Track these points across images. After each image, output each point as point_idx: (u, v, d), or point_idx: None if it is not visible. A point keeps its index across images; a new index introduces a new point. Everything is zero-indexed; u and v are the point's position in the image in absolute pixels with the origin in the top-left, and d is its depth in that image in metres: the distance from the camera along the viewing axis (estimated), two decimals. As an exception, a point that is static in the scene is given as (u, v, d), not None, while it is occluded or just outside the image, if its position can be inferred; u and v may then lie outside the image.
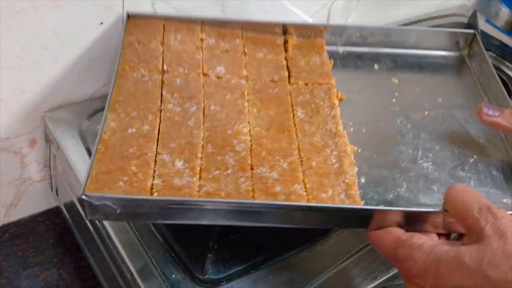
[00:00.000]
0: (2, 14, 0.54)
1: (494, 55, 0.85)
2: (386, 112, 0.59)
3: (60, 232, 0.70)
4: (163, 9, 0.65)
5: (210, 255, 0.52)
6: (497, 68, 0.83)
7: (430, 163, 0.54)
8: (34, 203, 0.71)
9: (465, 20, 0.89)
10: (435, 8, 0.93)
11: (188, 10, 0.66)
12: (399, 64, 0.66)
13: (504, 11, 0.92)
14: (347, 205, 0.46)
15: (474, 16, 0.87)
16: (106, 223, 0.54)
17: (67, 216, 0.67)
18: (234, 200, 0.45)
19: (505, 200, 0.52)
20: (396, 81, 0.63)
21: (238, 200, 0.45)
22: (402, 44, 0.67)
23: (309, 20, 0.78)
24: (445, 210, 0.45)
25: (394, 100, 0.61)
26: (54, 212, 0.71)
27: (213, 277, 0.51)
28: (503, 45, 0.86)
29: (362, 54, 0.66)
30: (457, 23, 0.89)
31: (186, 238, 0.53)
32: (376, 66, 0.65)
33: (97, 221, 0.55)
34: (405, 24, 0.87)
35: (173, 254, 0.52)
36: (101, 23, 0.60)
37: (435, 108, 0.60)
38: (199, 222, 0.45)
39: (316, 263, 0.53)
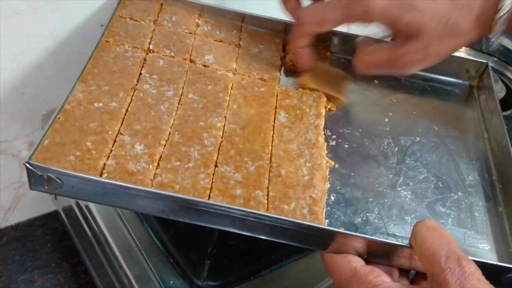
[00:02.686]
0: (1, 16, 0.53)
1: (498, 60, 0.83)
2: (375, 131, 0.55)
3: (58, 237, 0.70)
4: None
5: (209, 261, 0.51)
6: (501, 74, 0.81)
7: (409, 192, 0.51)
8: (32, 207, 0.71)
9: None
10: None
11: None
12: (401, 83, 0.62)
13: None
14: (292, 218, 0.43)
15: None
16: (103, 228, 0.53)
17: (65, 220, 0.66)
18: (176, 195, 0.42)
19: (481, 246, 0.48)
20: (394, 100, 0.60)
21: (182, 196, 0.42)
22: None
23: None
24: (410, 246, 0.42)
25: (386, 119, 0.57)
26: (52, 216, 0.71)
27: (211, 283, 0.50)
28: (506, 50, 0.84)
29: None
30: None
31: (184, 243, 0.52)
32: (376, 81, 0.61)
33: (94, 226, 0.54)
34: None
35: (171, 260, 0.51)
36: (101, 25, 0.59)
37: (428, 135, 0.57)
38: (147, 212, 0.43)
39: (316, 270, 0.52)
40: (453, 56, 0.67)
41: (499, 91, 0.75)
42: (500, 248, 0.48)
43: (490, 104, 0.61)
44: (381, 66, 0.53)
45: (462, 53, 0.80)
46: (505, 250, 0.48)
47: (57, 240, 0.69)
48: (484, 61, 0.64)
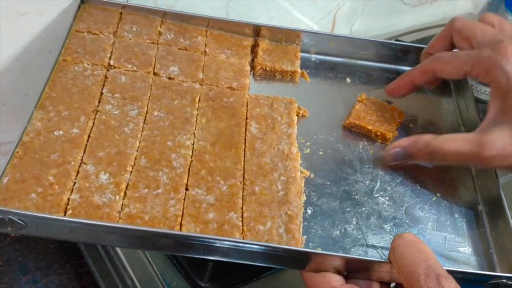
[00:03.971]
0: (6, 18, 0.52)
1: None
2: (349, 134, 0.54)
3: (61, 237, 0.68)
4: None
5: (211, 263, 0.50)
6: None
7: (386, 198, 0.50)
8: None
9: None
10: (440, 16, 0.91)
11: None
12: (374, 78, 0.61)
13: (510, 19, 0.89)
14: (268, 243, 0.42)
15: None
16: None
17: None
18: (144, 228, 0.40)
19: (462, 249, 0.47)
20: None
21: (150, 229, 0.40)
22: (380, 58, 0.62)
23: (314, 26, 0.76)
24: (389, 261, 0.41)
25: (361, 120, 0.56)
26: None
27: (214, 285, 0.50)
28: None
29: (335, 65, 0.61)
30: None
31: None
32: (348, 79, 0.60)
33: None
34: (409, 33, 0.84)
35: (174, 261, 0.51)
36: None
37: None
38: (117, 246, 0.41)
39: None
40: (424, 46, 0.66)
41: None
42: (481, 250, 0.48)
43: (466, 95, 0.59)
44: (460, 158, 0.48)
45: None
46: (486, 252, 0.47)
47: (61, 241, 0.67)
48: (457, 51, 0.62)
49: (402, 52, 0.62)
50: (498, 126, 0.46)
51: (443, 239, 0.48)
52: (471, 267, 0.46)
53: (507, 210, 0.48)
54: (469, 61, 0.50)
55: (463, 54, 0.51)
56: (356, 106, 0.55)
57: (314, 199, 0.48)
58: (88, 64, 0.51)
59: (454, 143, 0.47)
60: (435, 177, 0.52)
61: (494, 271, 0.46)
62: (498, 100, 0.47)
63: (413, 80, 0.55)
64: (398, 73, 0.62)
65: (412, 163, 0.50)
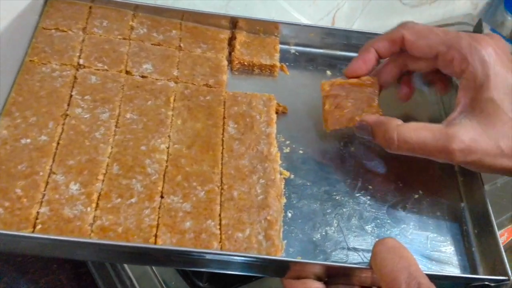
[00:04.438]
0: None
1: None
2: (331, 131, 0.52)
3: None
4: None
5: None
6: None
7: (368, 197, 0.49)
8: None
9: (470, 29, 0.85)
10: (440, 17, 0.91)
11: None
12: (355, 71, 0.59)
13: (510, 20, 0.91)
14: (245, 253, 0.41)
15: (479, 25, 0.82)
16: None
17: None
18: (116, 243, 0.39)
19: (444, 249, 0.47)
20: (349, 92, 0.57)
21: (123, 244, 0.39)
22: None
23: None
24: (370, 267, 0.40)
25: (342, 115, 0.54)
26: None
27: (212, 285, 0.50)
28: None
29: (315, 56, 0.59)
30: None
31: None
32: (328, 72, 0.58)
33: None
34: None
35: None
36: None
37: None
38: (90, 260, 0.40)
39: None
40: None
41: None
42: (463, 249, 0.47)
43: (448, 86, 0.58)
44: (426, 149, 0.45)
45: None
46: (468, 251, 0.47)
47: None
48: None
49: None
50: (467, 119, 0.44)
51: (426, 239, 0.47)
52: (453, 267, 0.46)
53: (489, 207, 0.48)
54: (446, 41, 0.46)
55: (440, 30, 0.48)
56: (326, 106, 0.50)
57: (295, 201, 0.47)
58: (56, 65, 0.49)
59: (420, 132, 0.45)
60: (417, 174, 0.51)
61: (476, 271, 0.46)
62: (469, 92, 0.45)
63: (377, 48, 0.50)
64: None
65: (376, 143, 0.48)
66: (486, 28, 0.87)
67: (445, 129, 0.44)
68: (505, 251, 0.43)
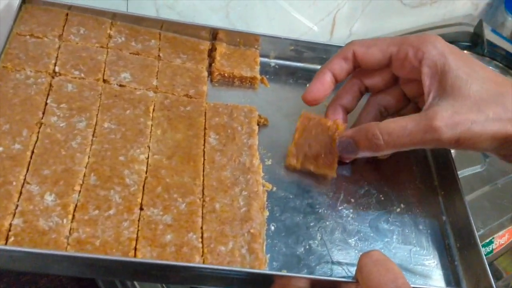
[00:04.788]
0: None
1: (500, 64, 0.83)
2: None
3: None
4: (167, 15, 0.63)
5: None
6: None
7: (351, 210, 0.48)
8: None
9: (471, 29, 0.87)
10: (440, 18, 0.92)
11: (192, 16, 0.65)
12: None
13: (510, 20, 0.92)
14: (229, 266, 0.39)
15: (480, 25, 0.83)
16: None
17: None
18: (93, 256, 0.37)
19: (427, 262, 0.46)
20: (329, 106, 0.56)
21: (100, 257, 0.37)
22: (341, 63, 0.60)
23: (314, 27, 0.76)
24: (356, 281, 0.39)
25: (323, 129, 0.54)
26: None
27: None
28: (509, 54, 0.84)
29: (296, 70, 0.59)
30: (463, 33, 0.88)
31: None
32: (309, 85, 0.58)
33: None
34: (409, 34, 0.83)
35: None
36: None
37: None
38: (67, 274, 0.38)
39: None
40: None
41: None
42: (446, 262, 0.47)
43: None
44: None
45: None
46: (451, 265, 0.47)
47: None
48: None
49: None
50: (442, 100, 0.44)
51: (409, 252, 0.47)
52: (437, 281, 0.45)
53: (471, 219, 0.48)
54: (396, 42, 0.47)
55: (386, 38, 0.48)
56: (296, 139, 0.49)
57: (277, 214, 0.46)
58: (30, 71, 0.47)
59: (400, 122, 0.44)
60: (398, 188, 0.51)
61: (460, 284, 0.45)
62: (435, 77, 0.45)
63: (332, 70, 0.49)
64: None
65: (362, 156, 0.47)
66: (487, 29, 0.87)
67: (424, 113, 0.44)
68: (505, 252, 0.43)
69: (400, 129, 0.43)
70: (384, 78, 0.50)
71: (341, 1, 0.76)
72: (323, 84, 0.49)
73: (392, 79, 0.50)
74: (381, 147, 0.45)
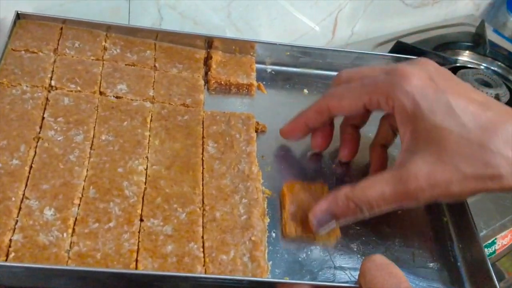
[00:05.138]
0: None
1: (502, 65, 0.83)
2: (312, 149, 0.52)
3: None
4: (169, 16, 0.63)
5: None
6: (504, 78, 0.80)
7: (352, 215, 0.48)
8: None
9: (472, 29, 0.87)
10: (442, 18, 0.92)
11: (194, 16, 0.65)
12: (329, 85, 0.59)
13: None
14: (231, 276, 0.39)
15: (481, 26, 0.83)
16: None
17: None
18: (94, 269, 0.37)
19: (431, 265, 0.46)
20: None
21: (101, 270, 0.37)
22: (337, 67, 0.60)
23: (316, 27, 0.76)
24: (360, 286, 0.39)
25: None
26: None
27: None
28: (511, 55, 0.84)
29: (292, 75, 0.59)
30: (465, 33, 0.87)
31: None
32: (306, 90, 0.58)
33: None
34: (411, 34, 0.84)
35: None
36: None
37: (367, 146, 0.54)
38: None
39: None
40: (383, 54, 0.65)
41: (503, 95, 0.73)
42: (449, 263, 0.46)
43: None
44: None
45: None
46: (454, 266, 0.46)
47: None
48: (415, 57, 0.61)
49: (358, 60, 0.60)
50: (415, 155, 0.40)
51: (411, 255, 0.46)
52: (440, 283, 0.45)
53: (472, 220, 0.48)
54: (364, 91, 0.44)
55: (356, 84, 0.45)
56: (284, 215, 0.45)
57: (278, 221, 0.46)
58: (27, 86, 0.47)
59: (376, 188, 0.41)
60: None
61: (463, 286, 0.45)
62: (407, 126, 0.42)
63: (307, 123, 0.48)
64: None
65: (344, 223, 0.43)
66: (489, 29, 0.87)
67: (397, 172, 0.41)
68: (508, 253, 0.42)
69: (377, 197, 0.41)
70: (357, 112, 0.47)
71: (343, 1, 0.76)
72: (298, 127, 0.49)
73: (366, 113, 0.48)
74: (364, 215, 0.42)
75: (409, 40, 0.79)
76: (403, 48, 0.74)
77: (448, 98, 0.41)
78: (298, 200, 0.46)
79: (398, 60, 0.62)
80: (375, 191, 0.41)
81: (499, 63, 0.82)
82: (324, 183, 0.48)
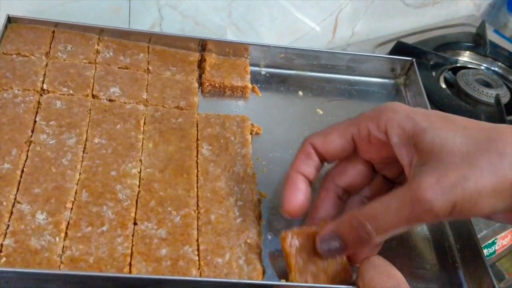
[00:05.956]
0: None
1: (503, 65, 0.82)
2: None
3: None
4: (169, 15, 0.63)
5: None
6: (505, 79, 0.80)
7: (349, 216, 0.47)
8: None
9: (473, 30, 0.87)
10: (443, 18, 0.92)
11: (195, 16, 0.64)
12: (326, 90, 0.59)
13: None
14: (226, 278, 0.39)
15: (482, 26, 0.84)
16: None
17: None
18: (86, 273, 0.36)
19: (428, 266, 0.45)
20: (321, 112, 0.56)
21: (93, 274, 0.36)
22: (331, 69, 0.60)
23: (317, 28, 0.75)
24: (357, 287, 0.38)
25: (317, 135, 0.53)
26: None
27: None
28: (511, 55, 0.83)
29: (286, 77, 0.59)
30: (465, 34, 0.87)
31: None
32: (300, 92, 0.58)
33: None
34: (411, 34, 0.84)
35: None
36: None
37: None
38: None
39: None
40: (377, 56, 0.65)
41: (503, 96, 0.73)
42: (447, 264, 0.46)
43: (419, 101, 0.59)
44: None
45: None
46: (452, 267, 0.46)
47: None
48: (409, 58, 0.61)
49: (352, 61, 0.60)
50: (423, 166, 0.36)
51: (409, 256, 0.46)
52: (438, 285, 0.44)
53: (470, 220, 0.47)
54: (350, 123, 0.41)
55: (343, 121, 0.42)
56: (293, 263, 0.40)
57: (273, 222, 0.45)
58: (18, 90, 0.46)
59: (382, 201, 0.37)
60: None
61: (461, 287, 0.44)
62: (408, 147, 0.38)
63: (302, 175, 0.42)
64: (350, 83, 0.61)
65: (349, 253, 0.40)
66: (489, 30, 0.87)
67: (406, 186, 0.36)
68: (508, 253, 0.42)
69: (384, 209, 0.36)
70: (357, 171, 0.43)
71: (343, 1, 0.76)
72: (298, 190, 0.41)
73: (367, 169, 0.43)
74: (371, 235, 0.37)
75: (409, 41, 0.79)
76: (403, 48, 0.74)
77: (438, 112, 0.39)
78: (306, 251, 0.40)
79: (392, 61, 0.62)
80: (381, 204, 0.37)
81: (500, 63, 0.82)
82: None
